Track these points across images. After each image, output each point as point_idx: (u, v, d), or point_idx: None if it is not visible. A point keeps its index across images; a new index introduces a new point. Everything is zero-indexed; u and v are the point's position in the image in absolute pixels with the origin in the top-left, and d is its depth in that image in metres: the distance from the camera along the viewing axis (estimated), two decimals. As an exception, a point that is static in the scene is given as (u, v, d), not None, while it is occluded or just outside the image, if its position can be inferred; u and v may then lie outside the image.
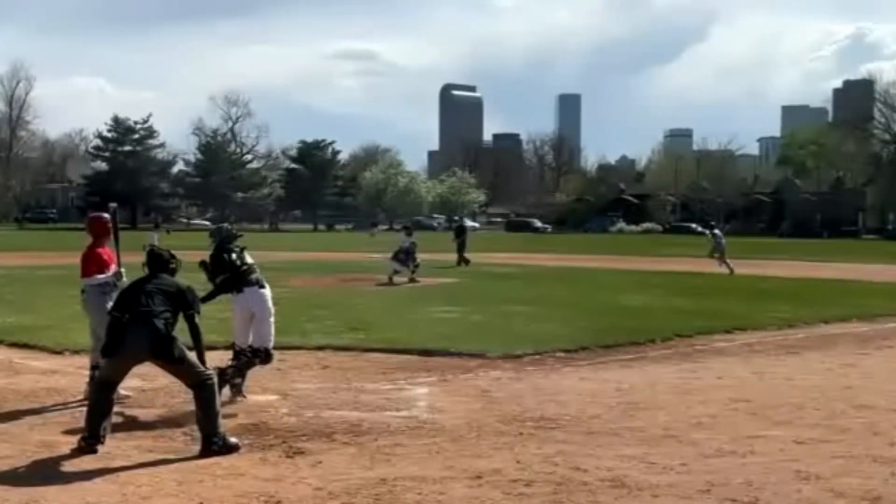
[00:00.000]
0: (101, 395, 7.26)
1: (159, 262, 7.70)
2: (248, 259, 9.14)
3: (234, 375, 8.79)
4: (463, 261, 31.81)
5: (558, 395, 9.24)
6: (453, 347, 11.96)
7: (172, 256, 7.78)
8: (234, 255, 9.07)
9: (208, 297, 8.83)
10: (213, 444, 6.97)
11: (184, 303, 7.39)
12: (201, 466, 6.58)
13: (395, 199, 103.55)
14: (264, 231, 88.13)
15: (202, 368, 7.25)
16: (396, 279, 24.28)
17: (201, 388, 7.18)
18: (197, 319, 7.41)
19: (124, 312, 7.26)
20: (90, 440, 7.02)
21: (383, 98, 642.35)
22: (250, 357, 8.88)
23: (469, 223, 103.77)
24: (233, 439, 7.10)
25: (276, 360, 11.19)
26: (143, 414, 8.24)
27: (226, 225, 10.16)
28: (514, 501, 5.90)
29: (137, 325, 7.18)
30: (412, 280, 24.28)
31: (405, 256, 25.13)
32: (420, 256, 25.79)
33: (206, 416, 7.09)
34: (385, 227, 34.26)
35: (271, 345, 8.99)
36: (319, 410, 8.44)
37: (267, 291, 9.05)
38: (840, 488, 6.17)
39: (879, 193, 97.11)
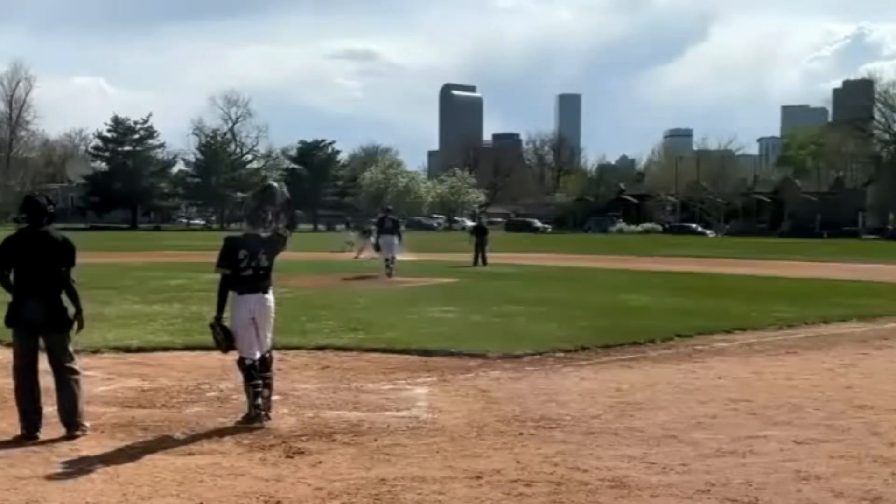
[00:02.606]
0: (20, 381, 7.42)
1: (39, 208, 7.46)
2: (264, 261, 8.04)
3: (267, 400, 7.96)
4: (482, 260, 31.65)
5: (558, 395, 9.24)
6: (453, 347, 11.95)
7: (49, 202, 7.57)
8: (242, 253, 8.00)
9: (220, 305, 7.98)
10: (80, 429, 7.34)
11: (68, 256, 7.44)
12: (201, 466, 6.58)
13: (395, 199, 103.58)
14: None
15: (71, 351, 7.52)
16: (394, 277, 25.05)
17: (70, 372, 7.42)
18: (73, 275, 7.46)
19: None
20: (28, 430, 7.28)
21: (383, 98, 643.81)
22: (269, 374, 8.13)
23: (467, 222, 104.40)
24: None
25: (275, 360, 11.24)
26: (143, 414, 8.24)
27: (248, 198, 8.67)
28: (514, 501, 5.90)
29: (33, 296, 7.34)
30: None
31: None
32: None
33: (75, 400, 7.37)
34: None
35: (270, 344, 8.38)
36: (319, 410, 8.44)
37: (270, 295, 8.14)
38: (840, 488, 6.17)
39: (879, 193, 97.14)
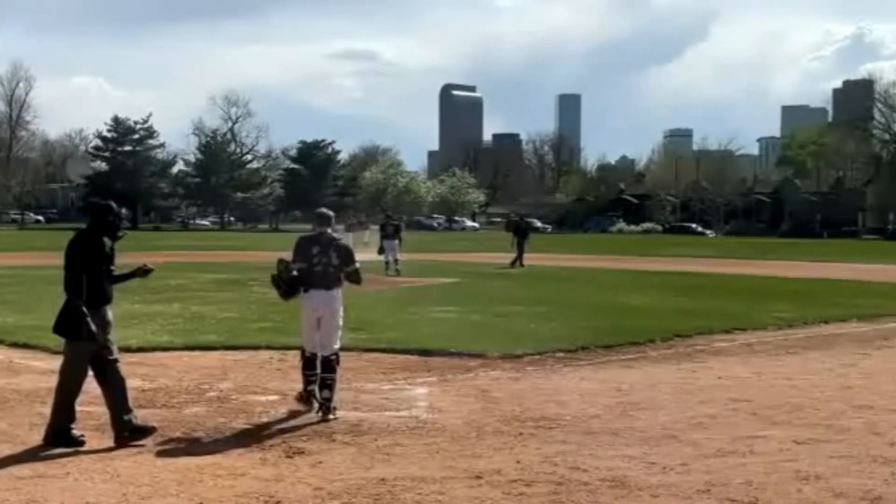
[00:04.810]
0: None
1: (93, 212, 7.41)
2: (335, 259, 8.39)
3: (328, 400, 8.20)
4: (517, 261, 31.28)
5: (558, 395, 9.24)
6: (453, 347, 11.95)
7: (109, 211, 7.46)
8: (315, 249, 8.42)
9: (289, 292, 8.48)
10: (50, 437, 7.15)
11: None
12: (201, 466, 6.58)
13: (395, 199, 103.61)
14: (264, 231, 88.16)
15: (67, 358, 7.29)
16: (399, 276, 25.70)
17: (60, 375, 7.29)
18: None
19: None
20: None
21: (383, 98, 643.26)
22: (332, 375, 8.31)
23: (467, 222, 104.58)
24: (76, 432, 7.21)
25: (276, 360, 11.26)
26: (143, 414, 8.21)
27: (323, 210, 8.93)
28: (514, 501, 5.90)
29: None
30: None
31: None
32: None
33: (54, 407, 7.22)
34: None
35: (337, 347, 8.50)
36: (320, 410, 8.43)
37: (336, 293, 8.43)
38: (840, 488, 6.17)
39: (879, 193, 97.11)
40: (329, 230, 8.65)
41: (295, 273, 8.38)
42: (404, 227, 39.11)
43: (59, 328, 7.27)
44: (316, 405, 8.26)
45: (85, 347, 7.20)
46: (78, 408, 7.96)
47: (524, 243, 31.89)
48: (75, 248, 7.24)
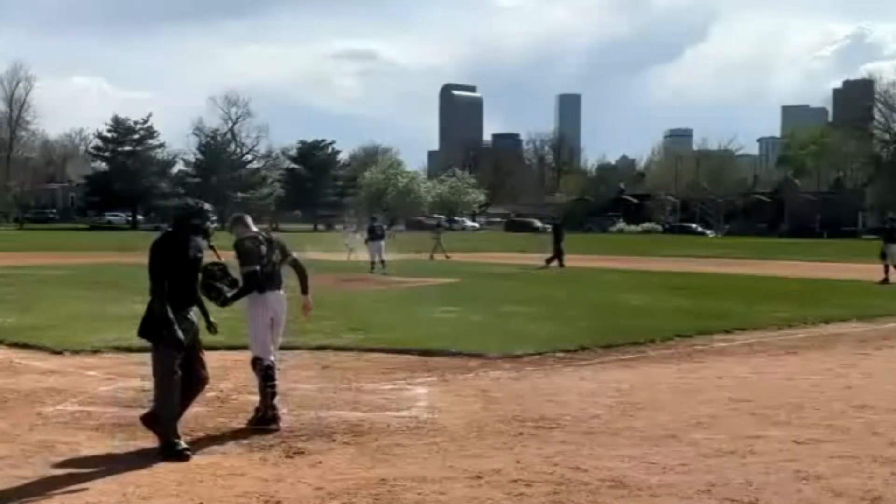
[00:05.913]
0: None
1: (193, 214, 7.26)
2: (275, 257, 8.10)
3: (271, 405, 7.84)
4: (552, 261, 31.79)
5: (558, 395, 9.24)
6: (453, 347, 11.95)
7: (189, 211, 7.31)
8: (263, 250, 8.05)
9: (236, 297, 7.88)
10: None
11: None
12: (201, 466, 6.59)
13: (395, 199, 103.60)
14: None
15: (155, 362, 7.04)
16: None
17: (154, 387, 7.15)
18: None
19: None
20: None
21: (383, 98, 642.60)
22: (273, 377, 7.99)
23: (467, 223, 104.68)
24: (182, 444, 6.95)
25: (276, 360, 11.24)
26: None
27: (239, 214, 8.59)
28: (514, 501, 5.90)
29: None
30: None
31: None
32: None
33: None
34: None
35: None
36: (319, 410, 8.44)
37: (284, 292, 8.24)
38: (840, 488, 6.17)
39: (879, 193, 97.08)
40: (255, 229, 8.27)
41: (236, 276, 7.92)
42: (440, 231, 39.98)
43: (143, 331, 7.09)
44: (283, 421, 7.86)
45: (172, 350, 6.96)
46: (77, 408, 7.98)
47: (560, 244, 32.58)
48: (155, 253, 7.06)
